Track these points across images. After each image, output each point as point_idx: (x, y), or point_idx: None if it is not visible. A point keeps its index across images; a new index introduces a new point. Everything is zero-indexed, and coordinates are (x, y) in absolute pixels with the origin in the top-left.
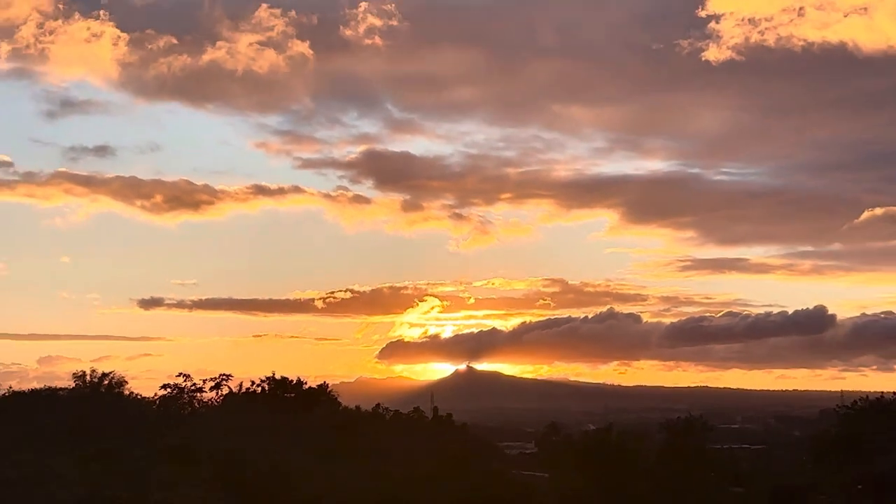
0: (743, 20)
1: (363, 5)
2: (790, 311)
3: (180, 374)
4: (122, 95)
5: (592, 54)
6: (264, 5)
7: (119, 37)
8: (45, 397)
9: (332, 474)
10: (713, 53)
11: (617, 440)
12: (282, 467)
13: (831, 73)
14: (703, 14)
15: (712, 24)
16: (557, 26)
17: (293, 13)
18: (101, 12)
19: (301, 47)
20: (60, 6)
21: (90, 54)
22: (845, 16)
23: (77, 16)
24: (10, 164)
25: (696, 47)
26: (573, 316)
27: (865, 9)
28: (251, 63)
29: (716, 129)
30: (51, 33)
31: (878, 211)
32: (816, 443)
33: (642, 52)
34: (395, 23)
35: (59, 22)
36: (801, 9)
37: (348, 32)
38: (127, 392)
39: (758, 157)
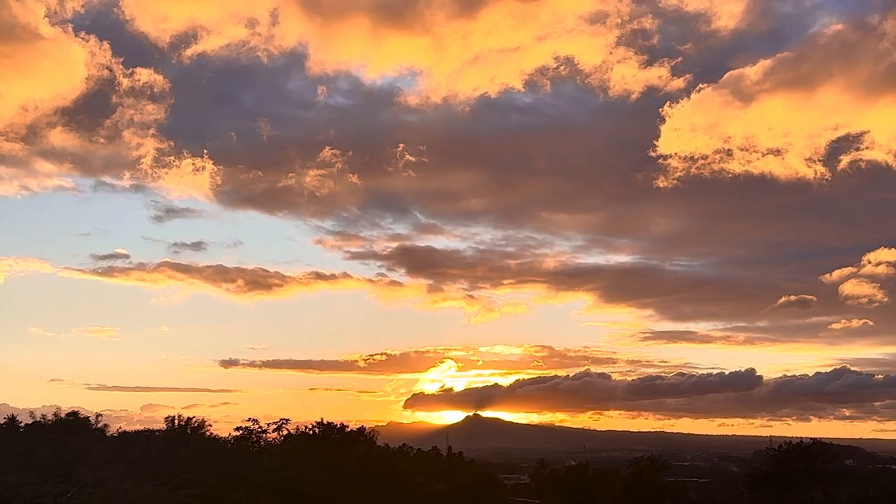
0: (685, 158)
1: (401, 146)
2: (727, 373)
3: (250, 418)
4: (214, 206)
5: (573, 175)
6: (328, 147)
7: (216, 170)
8: (145, 436)
9: (368, 498)
10: (662, 182)
11: (592, 474)
12: (328, 492)
13: (754, 194)
14: (653, 154)
15: (661, 161)
16: (546, 153)
17: (350, 153)
18: (204, 151)
19: (353, 178)
20: (172, 146)
21: (193, 181)
22: (763, 155)
23: (185, 153)
24: (127, 256)
25: (650, 177)
26: (558, 375)
27: (778, 150)
28: (315, 189)
29: (668, 232)
30: (164, 166)
31: (793, 297)
32: (751, 477)
33: (610, 175)
34: (425, 159)
35: (172, 158)
36: (729, 150)
37: (390, 169)
38: (208, 433)
39: (701, 253)
